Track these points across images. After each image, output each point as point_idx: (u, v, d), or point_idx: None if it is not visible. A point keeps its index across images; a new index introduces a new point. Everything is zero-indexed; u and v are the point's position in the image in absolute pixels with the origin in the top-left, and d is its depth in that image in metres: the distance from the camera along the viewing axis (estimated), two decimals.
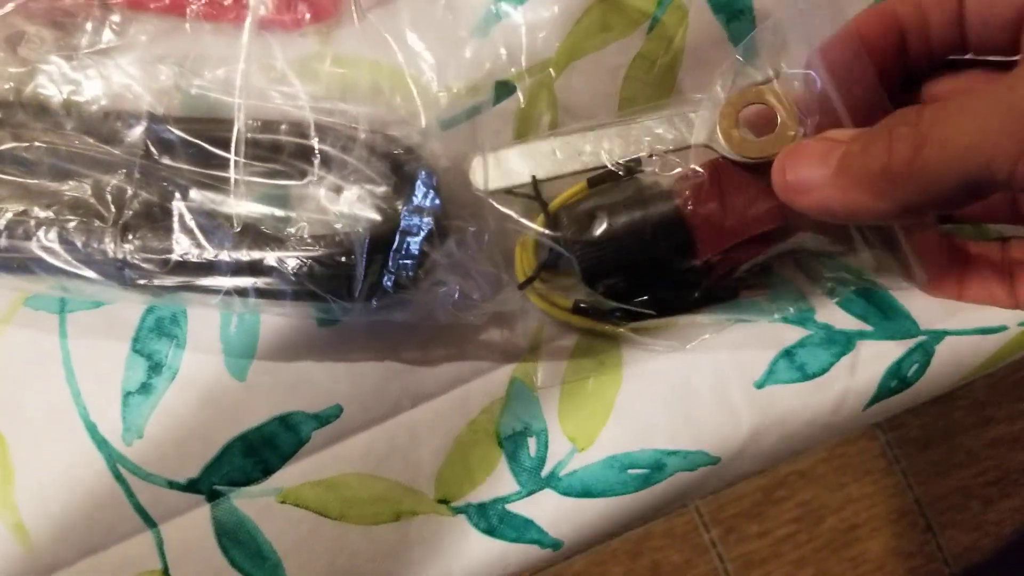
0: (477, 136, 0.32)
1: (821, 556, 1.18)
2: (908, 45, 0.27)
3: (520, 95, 0.32)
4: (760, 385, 0.31)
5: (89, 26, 0.31)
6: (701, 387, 0.31)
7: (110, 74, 0.30)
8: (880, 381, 0.31)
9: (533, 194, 0.29)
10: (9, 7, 0.30)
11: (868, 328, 0.31)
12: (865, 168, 0.24)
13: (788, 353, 0.31)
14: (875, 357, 0.31)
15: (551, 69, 0.32)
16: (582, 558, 1.17)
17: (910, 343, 0.32)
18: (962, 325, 0.32)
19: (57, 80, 0.30)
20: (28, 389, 0.32)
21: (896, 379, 0.32)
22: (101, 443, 0.31)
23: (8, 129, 0.31)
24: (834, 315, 0.31)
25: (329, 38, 0.32)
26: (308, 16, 0.31)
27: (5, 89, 0.31)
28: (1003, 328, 0.32)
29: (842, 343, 0.31)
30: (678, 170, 0.29)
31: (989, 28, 0.26)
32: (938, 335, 0.32)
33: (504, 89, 0.32)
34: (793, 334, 0.31)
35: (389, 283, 0.29)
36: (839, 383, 0.31)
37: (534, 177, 0.29)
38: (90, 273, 0.30)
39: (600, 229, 0.28)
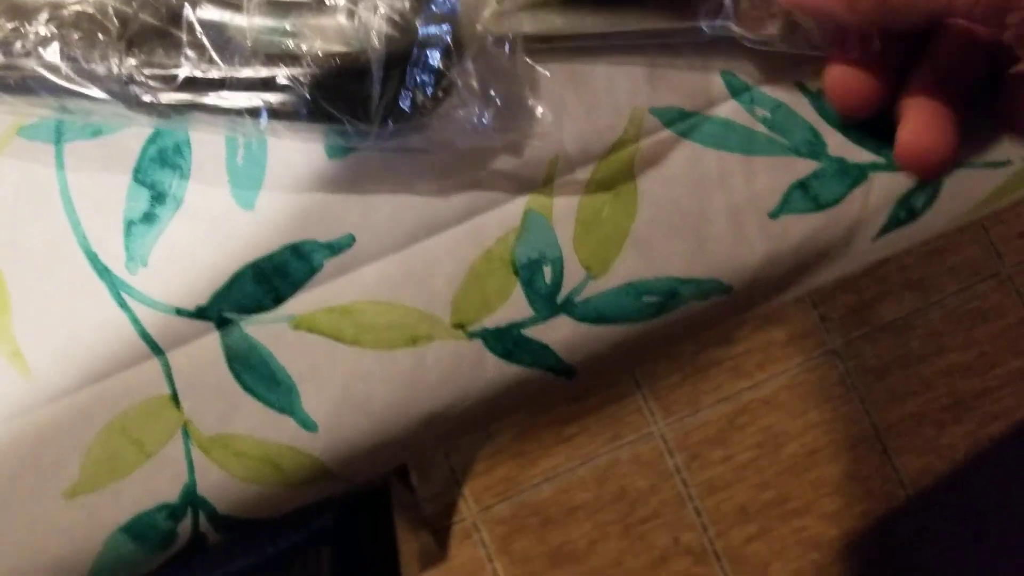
0: None
1: (782, 480, 1.21)
2: None
3: None
4: (774, 215, 0.31)
5: None
6: (716, 217, 0.31)
7: None
8: (890, 211, 0.32)
9: None
10: None
11: (881, 160, 0.32)
12: None
13: (802, 185, 0.31)
14: (887, 188, 0.32)
15: None
16: (550, 485, 1.18)
17: None
18: (970, 159, 0.32)
19: None
20: (23, 220, 0.31)
21: (905, 210, 0.32)
22: (103, 272, 0.30)
23: None
24: (848, 149, 0.32)
25: None
26: None
27: None
28: (1008, 163, 0.32)
29: (855, 175, 0.32)
30: None
31: None
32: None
33: None
34: (807, 166, 0.32)
35: (407, 102, 0.29)
36: (851, 213, 0.32)
37: None
38: (94, 91, 0.28)
39: None
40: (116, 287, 0.30)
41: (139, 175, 0.31)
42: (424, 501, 1.16)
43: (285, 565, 0.62)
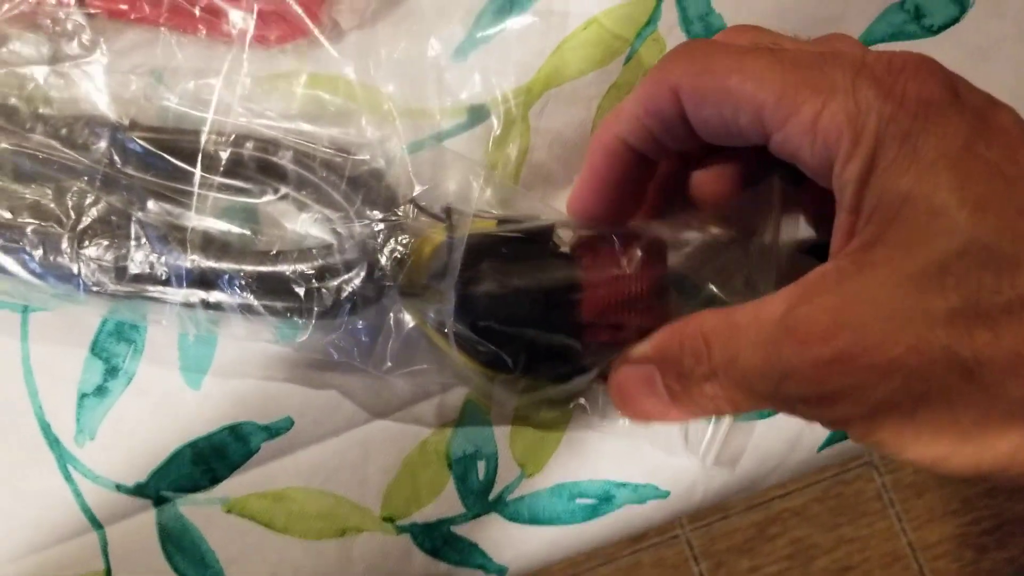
0: (447, 160, 0.32)
1: None
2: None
3: (495, 120, 0.32)
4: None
5: (66, 32, 0.31)
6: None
7: (82, 82, 0.30)
8: None
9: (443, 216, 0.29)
10: None
11: None
12: (684, 397, 0.24)
13: None
14: None
15: (527, 95, 0.33)
16: None
17: None
18: None
19: (29, 84, 0.30)
20: None
21: None
22: (53, 442, 0.31)
23: None
24: None
25: (306, 57, 0.32)
26: (286, 34, 0.31)
27: None
28: None
29: None
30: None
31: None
32: None
33: (479, 113, 0.32)
34: None
35: (346, 306, 0.30)
36: (793, 424, 0.31)
37: (448, 209, 0.29)
38: (45, 280, 0.30)
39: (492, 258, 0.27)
40: (63, 459, 0.31)
41: (96, 348, 0.32)
42: None
43: None
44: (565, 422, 0.31)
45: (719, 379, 0.22)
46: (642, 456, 0.31)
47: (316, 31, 0.31)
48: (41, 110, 0.31)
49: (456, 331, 0.27)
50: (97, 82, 0.31)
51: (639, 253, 0.26)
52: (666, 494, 0.31)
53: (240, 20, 0.31)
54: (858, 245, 0.21)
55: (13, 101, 0.31)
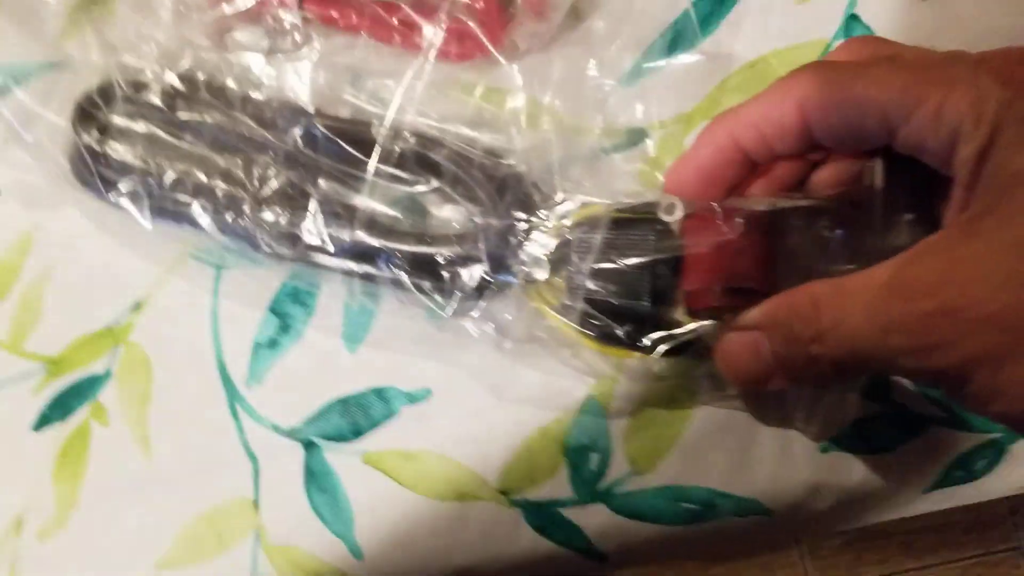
0: (601, 173, 0.35)
1: None
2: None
3: (651, 143, 0.35)
4: (824, 449, 0.32)
5: (283, 30, 0.36)
6: (767, 440, 0.32)
7: (289, 74, 0.35)
8: (945, 469, 0.32)
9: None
10: (227, 9, 0.36)
11: (943, 415, 0.32)
12: (788, 361, 0.26)
13: (857, 425, 0.32)
14: (945, 444, 0.32)
15: (686, 123, 0.35)
16: None
17: (983, 437, 0.31)
18: None
19: (242, 70, 0.35)
20: (177, 327, 0.37)
21: (963, 470, 0.32)
22: (227, 382, 0.36)
23: (191, 103, 0.36)
24: (911, 397, 0.32)
25: (481, 71, 0.35)
26: (467, 52, 0.35)
27: (195, 70, 0.36)
28: None
29: (914, 425, 0.32)
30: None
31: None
32: (1013, 435, 0.31)
33: (636, 136, 0.35)
34: (866, 408, 0.32)
35: (483, 291, 0.33)
36: (903, 462, 0.32)
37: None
38: (228, 237, 0.35)
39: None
40: (233, 397, 0.36)
41: (274, 306, 0.36)
42: None
43: None
44: (686, 401, 0.33)
45: (825, 340, 0.24)
46: (750, 470, 0.32)
47: (495, 51, 0.35)
48: (250, 93, 0.36)
49: (573, 309, 0.30)
50: (302, 76, 0.35)
51: (742, 222, 0.27)
52: (768, 512, 0.32)
53: (430, 35, 0.35)
54: (968, 216, 0.23)
55: (227, 83, 0.36)
